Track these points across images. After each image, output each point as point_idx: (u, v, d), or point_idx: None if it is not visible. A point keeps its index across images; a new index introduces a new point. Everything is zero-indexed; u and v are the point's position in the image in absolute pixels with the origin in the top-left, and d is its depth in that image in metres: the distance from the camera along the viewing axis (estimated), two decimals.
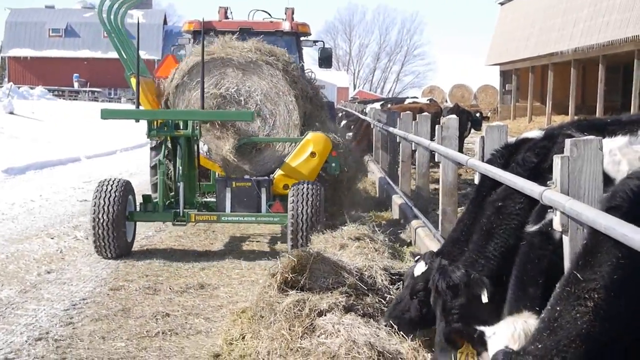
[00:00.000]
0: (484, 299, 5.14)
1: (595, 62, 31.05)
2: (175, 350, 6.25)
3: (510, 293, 4.77)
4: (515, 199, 5.27)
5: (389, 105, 24.55)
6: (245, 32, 12.83)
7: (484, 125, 17.61)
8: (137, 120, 10.44)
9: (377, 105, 25.47)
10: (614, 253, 3.64)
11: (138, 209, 10.08)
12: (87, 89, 69.80)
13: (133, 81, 10.50)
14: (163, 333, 6.62)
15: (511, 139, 6.34)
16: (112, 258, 9.49)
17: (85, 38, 77.51)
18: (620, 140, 4.86)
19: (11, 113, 35.71)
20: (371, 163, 19.46)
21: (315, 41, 14.57)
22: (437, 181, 11.22)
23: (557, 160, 4.34)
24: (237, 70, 10.83)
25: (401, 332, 5.68)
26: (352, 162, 11.89)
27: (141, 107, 10.53)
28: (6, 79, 69.42)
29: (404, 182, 13.07)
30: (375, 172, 17.44)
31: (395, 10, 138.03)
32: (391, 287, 6.88)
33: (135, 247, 10.10)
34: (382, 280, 6.93)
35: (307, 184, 9.59)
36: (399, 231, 10.68)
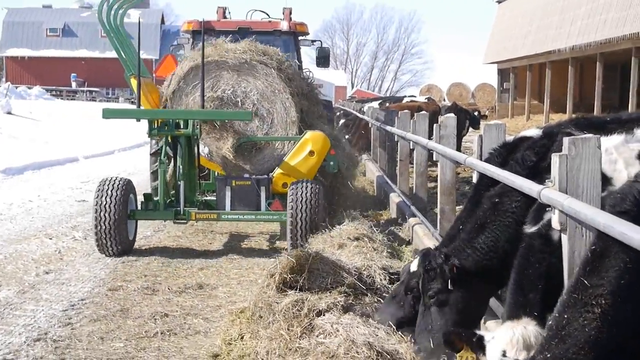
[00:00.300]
0: (449, 286, 5.30)
1: (592, 60, 31.04)
2: (174, 350, 6.25)
3: (509, 297, 4.79)
4: (512, 196, 5.30)
5: (387, 104, 24.56)
6: (244, 31, 12.98)
7: (482, 123, 17.63)
8: (138, 120, 10.58)
9: (375, 104, 25.46)
10: (621, 258, 3.62)
11: (139, 207, 10.20)
12: (85, 88, 69.77)
13: (133, 82, 10.65)
14: (162, 333, 6.61)
15: (509, 138, 6.34)
16: (113, 256, 9.56)
17: (83, 38, 77.51)
18: (616, 138, 4.86)
19: (9, 113, 35.65)
20: (369, 162, 19.47)
21: (313, 41, 14.71)
22: (435, 180, 11.23)
23: (555, 158, 4.35)
24: (232, 71, 10.96)
25: (399, 332, 5.69)
26: (344, 156, 12.02)
27: (142, 107, 10.62)
28: (4, 79, 69.35)
29: (402, 181, 13.07)
30: (373, 171, 17.44)
31: (392, 9, 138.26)
32: (390, 286, 6.88)
33: (134, 247, 10.11)
34: (380, 280, 6.94)
35: (306, 183, 9.66)
36: (398, 230, 10.68)
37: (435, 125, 9.36)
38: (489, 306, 5.93)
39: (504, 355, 4.14)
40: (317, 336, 5.52)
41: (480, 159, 6.65)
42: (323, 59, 14.75)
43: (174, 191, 10.60)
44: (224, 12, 14.49)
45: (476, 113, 22.51)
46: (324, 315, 5.85)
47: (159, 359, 6.08)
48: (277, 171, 10.68)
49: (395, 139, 13.66)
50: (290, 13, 14.02)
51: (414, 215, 10.51)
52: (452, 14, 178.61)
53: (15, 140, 26.40)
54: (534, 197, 4.60)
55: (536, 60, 38.05)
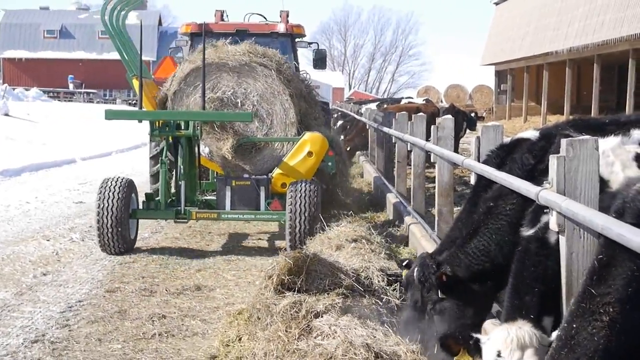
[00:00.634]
0: (439, 294, 5.36)
1: (590, 61, 31.07)
2: (171, 352, 6.24)
3: (506, 300, 4.80)
4: (507, 199, 5.31)
5: (385, 106, 24.55)
6: (242, 34, 13.18)
7: (479, 125, 17.64)
8: (140, 121, 10.71)
9: (373, 105, 25.46)
10: (627, 266, 3.61)
11: (141, 206, 10.34)
12: (82, 90, 69.73)
13: (135, 83, 10.81)
14: (159, 335, 6.61)
15: (506, 139, 6.35)
16: (115, 254, 9.70)
17: (80, 39, 77.50)
18: (612, 140, 4.86)
19: (6, 115, 35.62)
20: (367, 163, 19.47)
21: (310, 43, 14.86)
22: (433, 181, 11.23)
23: (553, 160, 4.35)
24: (232, 73, 11.11)
25: (398, 334, 5.69)
26: (340, 156, 12.15)
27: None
28: (1, 81, 69.24)
29: (400, 183, 13.08)
30: (371, 173, 17.44)
31: (390, 11, 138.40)
32: (388, 287, 6.88)
33: (125, 252, 10.10)
34: (378, 282, 6.93)
35: (305, 183, 9.82)
36: (395, 231, 10.68)
37: (432, 126, 9.36)
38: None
39: (498, 355, 4.18)
40: (315, 338, 5.52)
41: (478, 161, 6.66)
42: (320, 61, 14.96)
43: (174, 191, 10.72)
44: (222, 15, 14.68)
45: (473, 114, 22.49)
46: (321, 316, 5.85)
47: None
48: (276, 171, 10.83)
49: (393, 141, 13.66)
50: (288, 16, 14.18)
51: (411, 217, 10.51)
52: (449, 16, 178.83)
53: (12, 141, 26.37)
54: (532, 198, 4.60)
55: (534, 62, 38.08)
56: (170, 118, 10.41)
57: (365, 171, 18.81)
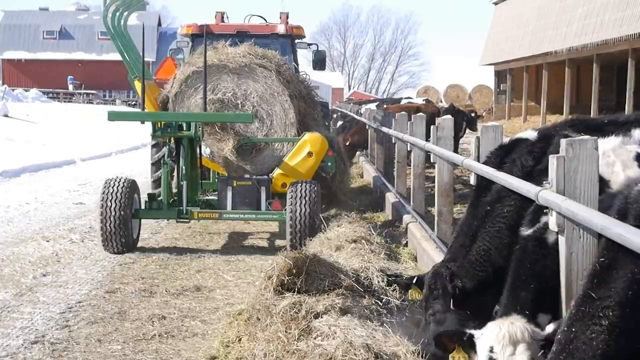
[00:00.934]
0: (451, 306, 5.34)
1: (589, 61, 31.07)
2: (171, 352, 6.24)
3: (503, 298, 4.80)
4: (505, 202, 5.30)
5: (385, 106, 24.54)
6: (242, 35, 13.31)
7: (479, 124, 17.63)
8: (143, 122, 10.84)
9: (373, 106, 25.45)
10: (629, 268, 3.59)
11: (143, 206, 10.46)
12: (82, 91, 69.73)
13: (137, 84, 10.97)
14: (159, 336, 6.61)
15: (506, 139, 6.35)
16: (118, 253, 9.83)
17: (80, 40, 77.49)
18: (613, 140, 4.86)
19: (6, 116, 35.64)
20: (366, 164, 19.47)
21: (309, 44, 14.95)
22: (433, 180, 11.22)
23: (552, 160, 4.35)
24: (232, 75, 11.25)
25: (398, 334, 5.69)
26: (340, 157, 12.24)
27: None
28: (0, 82, 69.24)
29: (400, 183, 13.07)
30: (370, 173, 17.44)
31: (389, 11, 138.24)
32: (388, 288, 6.88)
33: (128, 251, 10.12)
34: (378, 282, 6.94)
35: (305, 183, 9.95)
36: (395, 232, 10.68)
37: (432, 127, 9.36)
38: None
39: (491, 351, 4.21)
40: (315, 338, 5.52)
41: (478, 161, 6.66)
42: (319, 62, 15.07)
43: (176, 191, 10.83)
44: (222, 17, 14.79)
45: (473, 114, 22.49)
46: (321, 317, 5.85)
47: None
48: (277, 172, 10.96)
49: (393, 141, 13.65)
50: (287, 17, 14.26)
51: (410, 217, 10.51)
52: (448, 16, 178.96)
53: (12, 142, 26.38)
54: (532, 198, 4.60)
55: (533, 62, 38.08)
56: (172, 119, 10.50)
57: (364, 171, 18.81)
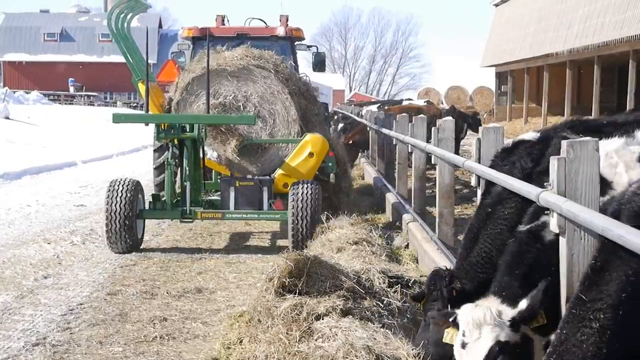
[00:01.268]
0: (449, 308, 5.29)
1: (590, 63, 31.06)
2: (172, 354, 6.24)
3: (493, 282, 4.88)
4: (505, 204, 5.30)
5: (386, 107, 24.52)
6: (242, 37, 13.46)
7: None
8: (147, 124, 11.05)
9: (374, 107, 25.44)
10: (622, 270, 3.58)
11: (147, 207, 10.58)
12: (83, 93, 69.77)
13: (141, 86, 11.15)
14: (160, 337, 6.61)
15: (507, 141, 6.34)
16: (123, 252, 9.97)
17: (81, 42, 77.56)
18: (616, 142, 4.86)
19: (7, 118, 35.65)
20: (367, 165, 19.47)
21: (309, 46, 15.06)
22: (434, 182, 11.21)
23: (553, 161, 4.35)
24: (232, 78, 11.40)
25: (399, 336, 5.68)
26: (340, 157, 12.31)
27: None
28: (1, 84, 69.26)
29: (401, 185, 13.08)
30: (371, 174, 17.44)
31: (390, 13, 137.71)
32: (389, 290, 6.87)
33: (132, 251, 10.14)
34: (379, 284, 6.92)
35: (306, 183, 10.10)
36: (396, 234, 10.67)
37: (433, 128, 9.37)
38: None
39: (463, 334, 4.51)
40: (316, 340, 5.52)
41: (479, 162, 6.66)
42: (319, 64, 15.23)
43: (179, 191, 10.94)
44: (223, 20, 14.92)
45: (478, 116, 22.58)
46: (322, 319, 5.84)
47: None
48: (279, 172, 11.09)
49: (394, 142, 13.66)
50: (287, 20, 14.37)
51: (411, 218, 10.51)
52: (449, 18, 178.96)
53: (13, 145, 26.38)
54: (533, 200, 4.60)
55: (534, 64, 38.07)
56: (176, 121, 10.62)
57: (365, 173, 18.81)
